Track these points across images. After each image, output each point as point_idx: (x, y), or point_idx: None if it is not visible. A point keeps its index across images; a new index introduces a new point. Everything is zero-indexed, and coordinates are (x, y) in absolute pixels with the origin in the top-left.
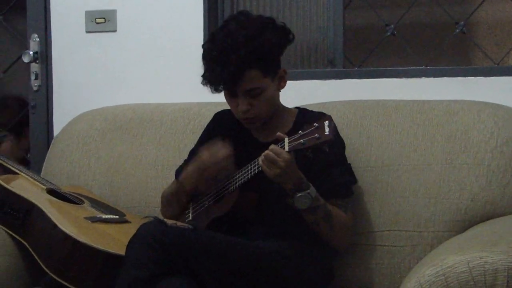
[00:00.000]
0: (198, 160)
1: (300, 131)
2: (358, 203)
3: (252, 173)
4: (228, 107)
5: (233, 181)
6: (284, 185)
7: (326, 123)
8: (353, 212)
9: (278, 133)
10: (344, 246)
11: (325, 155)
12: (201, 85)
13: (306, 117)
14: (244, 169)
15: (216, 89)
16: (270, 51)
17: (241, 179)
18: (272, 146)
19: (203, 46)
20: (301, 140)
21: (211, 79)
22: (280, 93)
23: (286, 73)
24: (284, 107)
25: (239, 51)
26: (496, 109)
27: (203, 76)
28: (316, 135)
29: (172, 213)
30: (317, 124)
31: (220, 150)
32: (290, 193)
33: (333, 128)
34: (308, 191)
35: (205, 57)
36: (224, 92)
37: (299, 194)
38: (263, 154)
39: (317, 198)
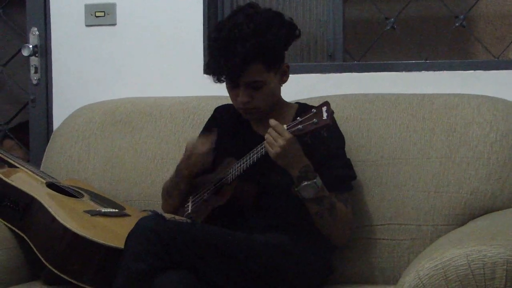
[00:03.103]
0: (186, 149)
1: (298, 118)
2: (358, 197)
3: (249, 163)
4: (229, 102)
5: (232, 172)
6: (290, 171)
7: (324, 108)
8: (353, 207)
9: (271, 120)
10: (344, 241)
11: (324, 145)
12: (200, 79)
13: (306, 111)
14: (242, 160)
15: (218, 79)
16: (275, 46)
17: (239, 169)
18: (275, 123)
19: (209, 35)
20: (299, 126)
21: (215, 69)
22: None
23: (288, 68)
24: (285, 102)
25: (245, 44)
26: (496, 102)
27: (206, 65)
28: (314, 120)
29: (172, 204)
30: (314, 110)
31: (200, 145)
32: (296, 181)
33: (331, 113)
34: (315, 180)
35: (210, 47)
36: (226, 82)
37: (306, 183)
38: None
39: (323, 188)
